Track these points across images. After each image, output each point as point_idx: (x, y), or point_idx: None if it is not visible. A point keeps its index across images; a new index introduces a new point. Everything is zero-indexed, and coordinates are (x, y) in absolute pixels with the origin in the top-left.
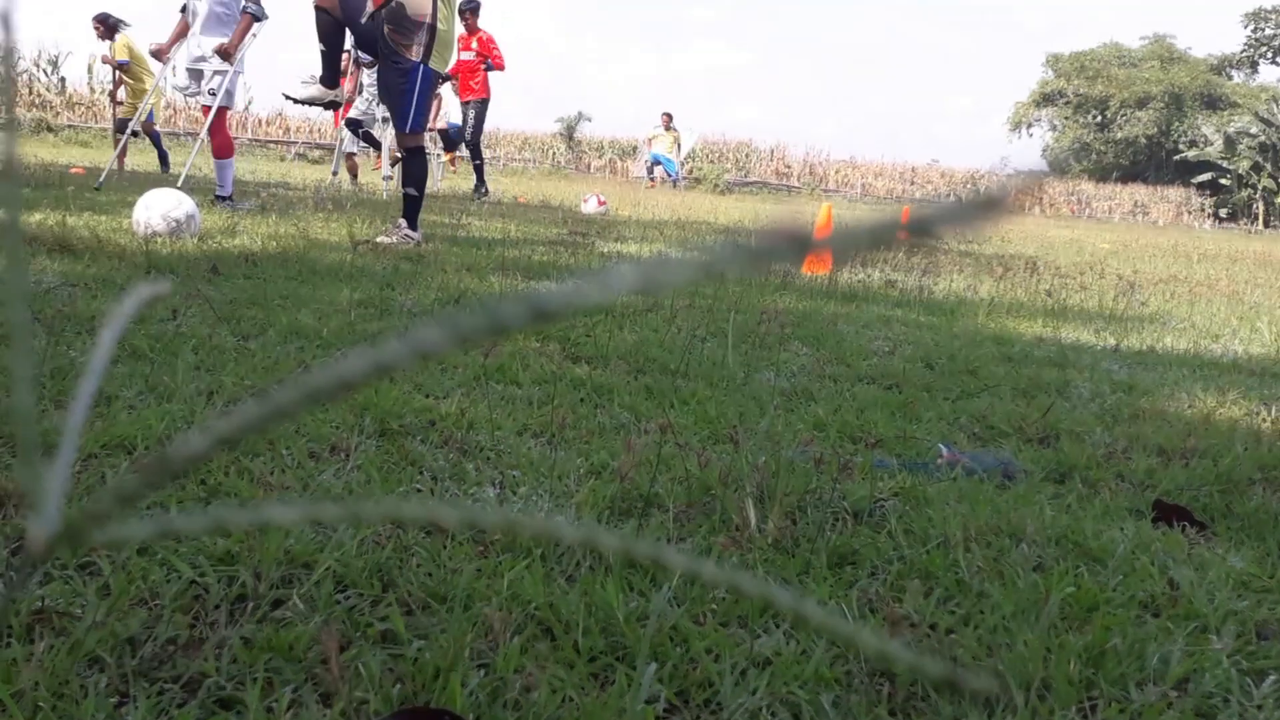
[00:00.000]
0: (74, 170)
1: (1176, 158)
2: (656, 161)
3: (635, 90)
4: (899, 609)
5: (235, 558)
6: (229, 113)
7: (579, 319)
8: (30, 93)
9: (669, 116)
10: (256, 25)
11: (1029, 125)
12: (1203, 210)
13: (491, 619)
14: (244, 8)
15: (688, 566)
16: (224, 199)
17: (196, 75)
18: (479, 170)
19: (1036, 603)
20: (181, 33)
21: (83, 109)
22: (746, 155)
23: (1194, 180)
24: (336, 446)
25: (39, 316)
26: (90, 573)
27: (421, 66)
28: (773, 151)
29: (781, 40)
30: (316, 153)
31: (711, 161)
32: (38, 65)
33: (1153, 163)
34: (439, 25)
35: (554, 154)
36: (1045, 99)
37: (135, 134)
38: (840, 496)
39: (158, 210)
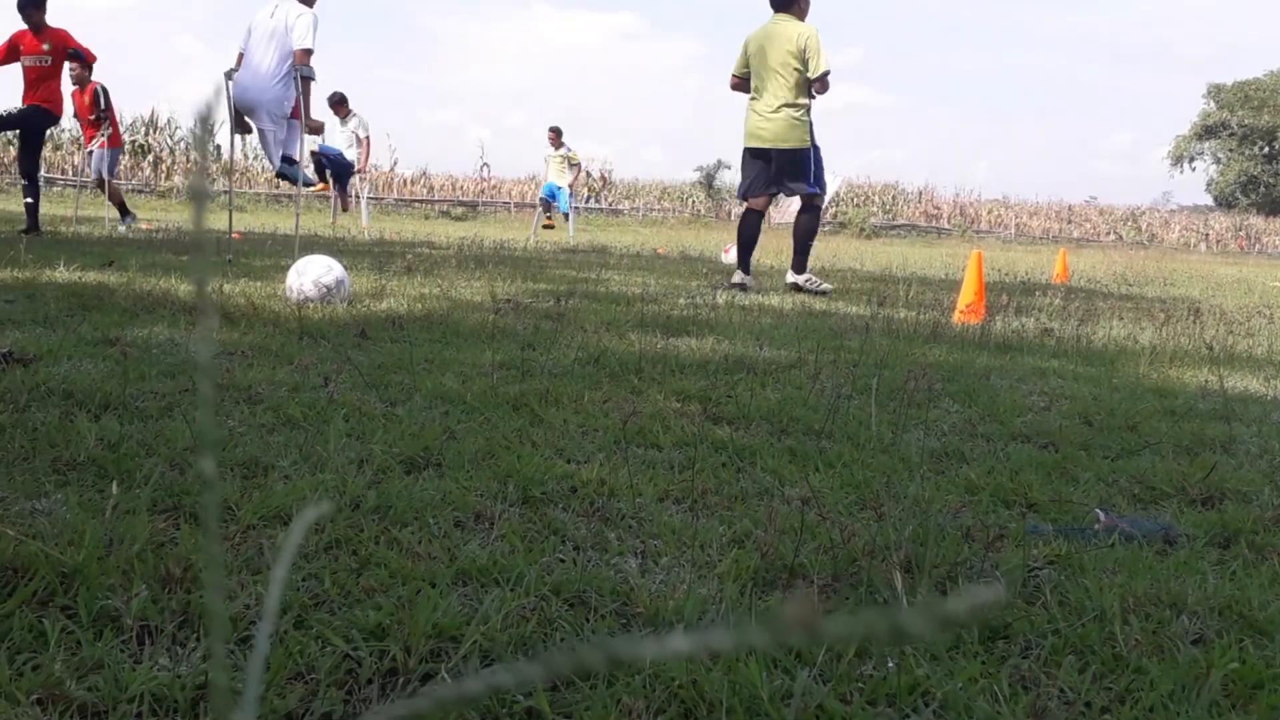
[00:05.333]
0: (233, 236)
1: None
2: (551, 196)
3: None
4: (1050, 689)
5: (386, 631)
6: None
7: (721, 377)
8: (188, 160)
9: (556, 133)
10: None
11: (1191, 159)
12: None
13: (633, 706)
14: None
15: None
16: None
17: None
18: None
19: (1197, 679)
20: None
21: (237, 175)
22: (893, 198)
23: None
24: (481, 515)
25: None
26: (250, 646)
27: None
28: (920, 193)
29: (928, 82)
30: (459, 209)
31: (857, 205)
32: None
33: None
34: None
35: (693, 202)
36: (1207, 131)
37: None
38: (993, 566)
39: (309, 276)
